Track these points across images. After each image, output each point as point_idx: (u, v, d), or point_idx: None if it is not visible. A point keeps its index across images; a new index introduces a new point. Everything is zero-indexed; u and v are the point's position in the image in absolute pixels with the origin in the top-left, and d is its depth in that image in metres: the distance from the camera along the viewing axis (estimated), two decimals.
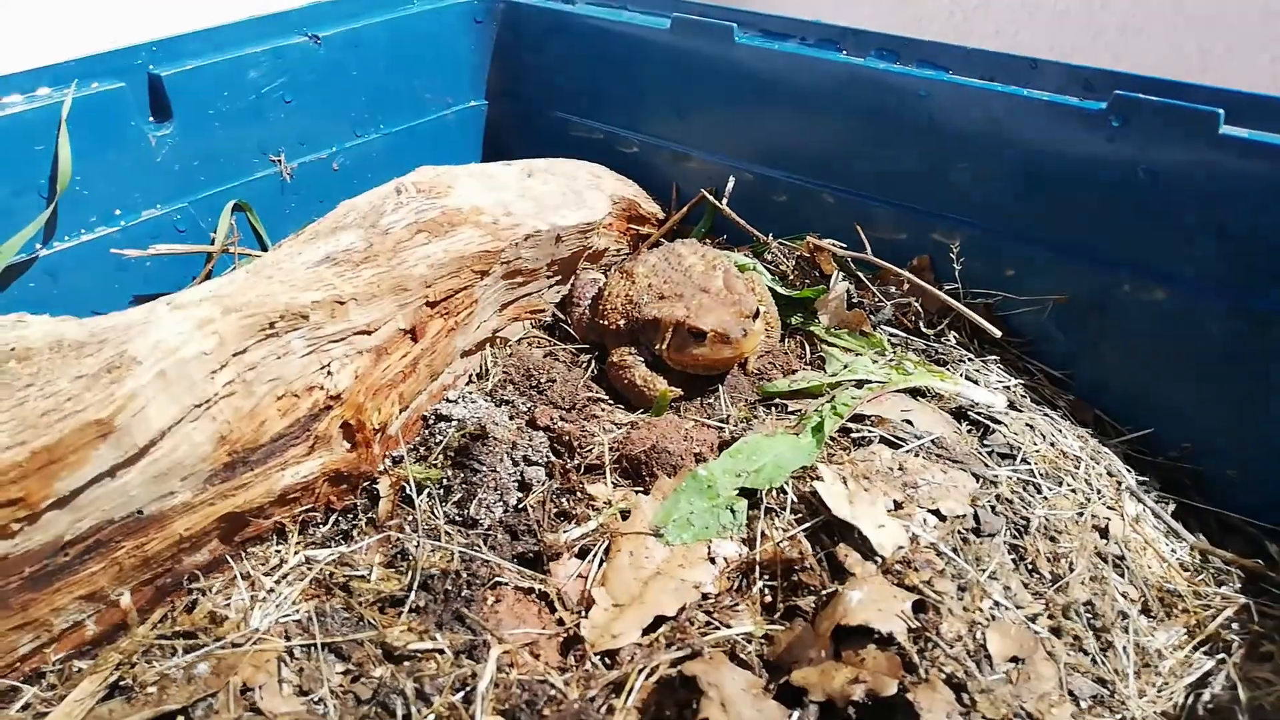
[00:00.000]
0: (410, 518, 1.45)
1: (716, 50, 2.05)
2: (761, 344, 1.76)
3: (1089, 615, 1.30)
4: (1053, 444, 1.59)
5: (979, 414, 1.62)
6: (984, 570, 1.29)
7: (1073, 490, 1.49)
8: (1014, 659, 1.18)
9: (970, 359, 1.79)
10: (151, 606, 1.31)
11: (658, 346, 1.72)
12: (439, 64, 2.36)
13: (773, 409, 1.66)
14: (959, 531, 1.35)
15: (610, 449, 1.55)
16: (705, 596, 1.30)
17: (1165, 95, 1.55)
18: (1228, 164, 1.50)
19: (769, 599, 1.31)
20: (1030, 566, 1.35)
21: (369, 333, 1.49)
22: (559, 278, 1.98)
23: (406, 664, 1.22)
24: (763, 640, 1.23)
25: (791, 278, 1.99)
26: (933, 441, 1.52)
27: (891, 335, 1.85)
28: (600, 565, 1.36)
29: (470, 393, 1.72)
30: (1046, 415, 1.67)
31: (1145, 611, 1.36)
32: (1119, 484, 1.56)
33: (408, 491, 1.49)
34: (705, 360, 1.67)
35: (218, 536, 1.35)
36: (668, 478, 1.48)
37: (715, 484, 1.43)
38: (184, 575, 1.33)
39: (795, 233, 2.05)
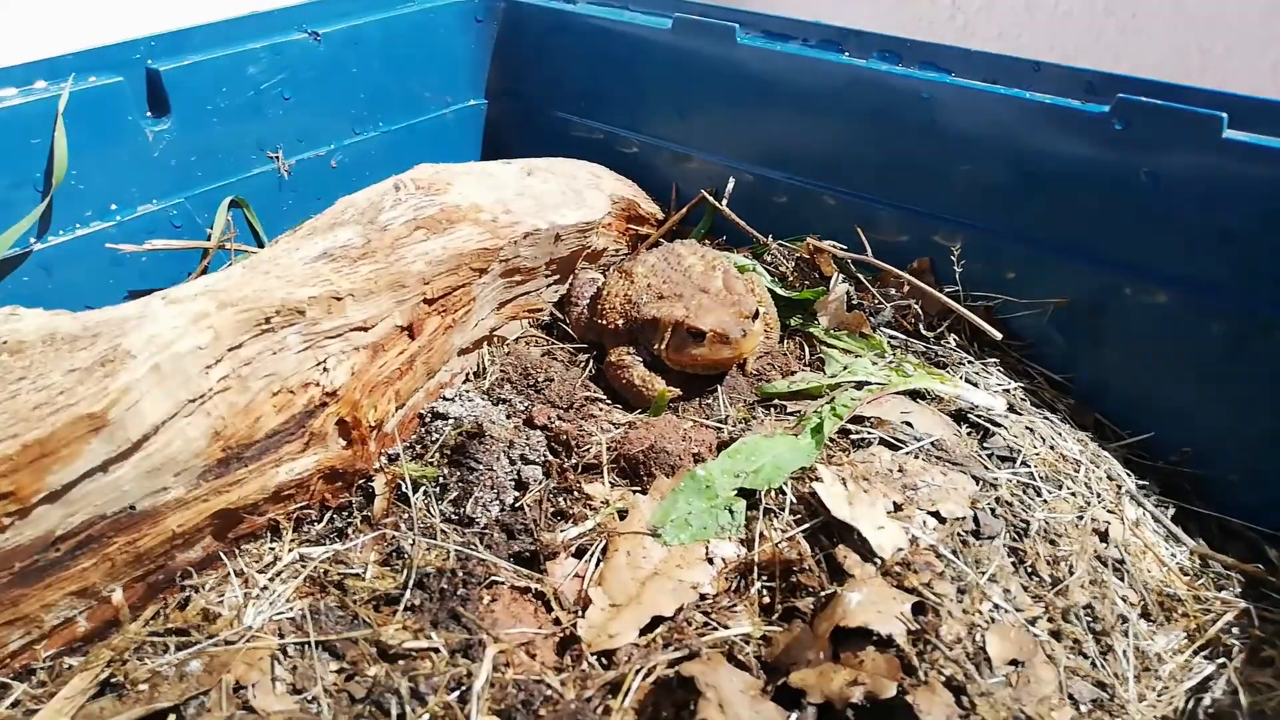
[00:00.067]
0: (406, 516, 1.44)
1: (718, 51, 2.04)
2: (760, 345, 1.76)
3: (1089, 619, 1.29)
4: (1053, 447, 1.58)
5: (979, 416, 1.61)
6: (984, 573, 1.28)
7: (1073, 494, 1.48)
8: (1014, 662, 1.17)
9: (970, 361, 1.78)
10: (144, 603, 1.30)
11: (656, 346, 1.71)
12: (439, 62, 2.35)
13: (771, 410, 1.65)
14: (959, 534, 1.35)
15: (608, 449, 1.54)
16: (703, 597, 1.29)
17: (1168, 98, 1.54)
18: (1230, 167, 1.49)
19: (767, 600, 1.30)
20: (1030, 569, 1.34)
21: (366, 329, 1.48)
22: (557, 277, 1.97)
23: (401, 663, 1.21)
24: (761, 641, 1.22)
25: (791, 279, 1.98)
26: (932, 444, 1.51)
27: (891, 337, 1.84)
28: (597, 565, 1.35)
29: (467, 391, 1.71)
30: (1046, 418, 1.66)
31: (1145, 615, 1.35)
32: (1119, 487, 1.55)
33: (403, 489, 1.48)
34: (704, 360, 1.67)
35: (211, 533, 1.34)
36: (666, 478, 1.47)
37: (714, 484, 1.42)
38: (177, 572, 1.32)
39: (795, 234, 2.04)
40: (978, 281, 1.84)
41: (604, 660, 1.21)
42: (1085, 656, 1.24)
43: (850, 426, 1.54)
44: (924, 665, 1.12)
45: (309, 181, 2.13)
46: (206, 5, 2.02)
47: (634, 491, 1.47)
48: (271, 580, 1.34)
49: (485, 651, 1.19)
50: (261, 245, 2.04)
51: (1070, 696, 1.18)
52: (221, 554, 1.36)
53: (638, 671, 1.16)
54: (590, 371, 1.82)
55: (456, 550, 1.36)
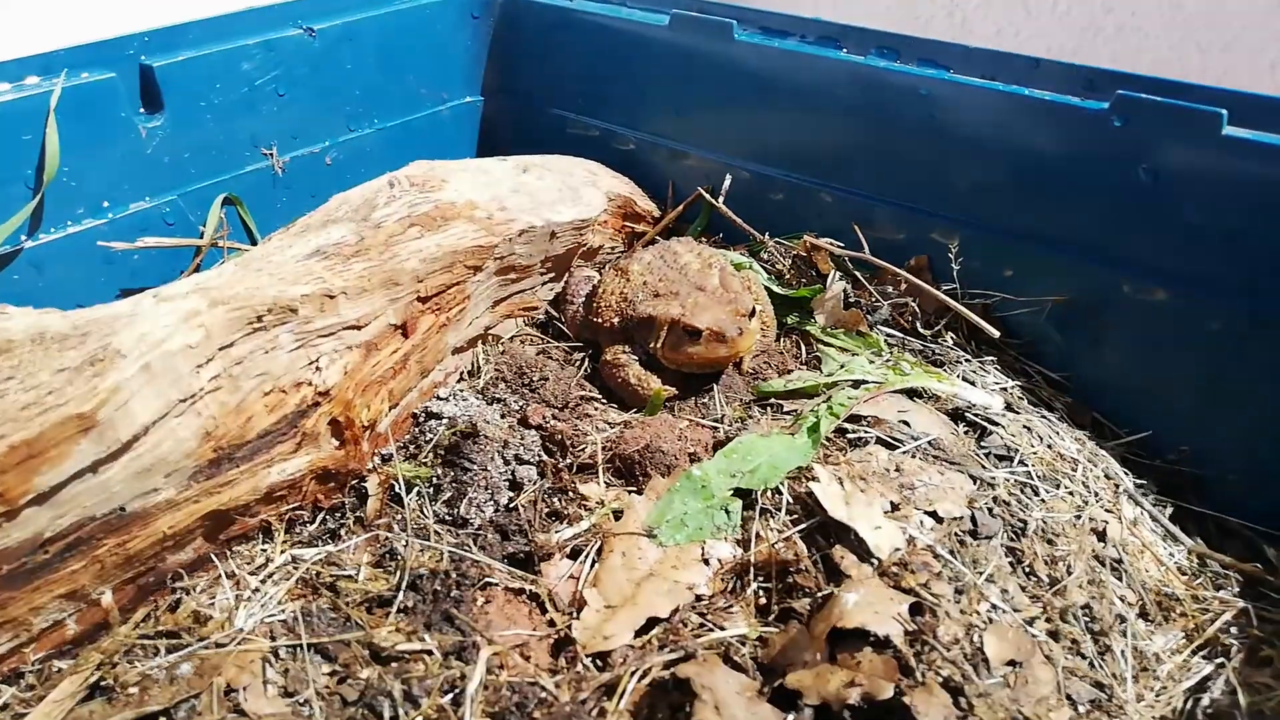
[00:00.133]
0: (399, 517, 1.43)
1: (715, 47, 2.03)
2: (757, 343, 1.75)
3: (1087, 619, 1.28)
4: (1050, 446, 1.57)
5: (976, 415, 1.60)
6: (981, 573, 1.28)
7: (1070, 493, 1.47)
8: (1011, 662, 1.17)
9: (968, 360, 1.77)
10: (134, 605, 1.29)
11: (652, 345, 1.70)
12: (434, 59, 2.34)
13: (768, 409, 1.64)
14: (956, 533, 1.34)
15: (603, 448, 1.53)
16: (699, 598, 1.29)
17: (1167, 95, 1.53)
18: (1230, 165, 1.49)
19: (763, 601, 1.29)
20: (1028, 569, 1.33)
21: (359, 328, 1.47)
22: (553, 275, 1.96)
23: (394, 665, 1.20)
24: (757, 643, 1.21)
25: (788, 277, 1.98)
26: (930, 443, 1.50)
27: (888, 335, 1.83)
28: (592, 566, 1.34)
29: (461, 390, 1.70)
30: (1044, 417, 1.66)
31: (1143, 615, 1.34)
32: (1117, 487, 1.54)
33: (397, 490, 1.47)
34: (700, 359, 1.66)
35: (202, 534, 1.32)
36: (661, 478, 1.46)
37: (710, 484, 1.41)
38: (167, 574, 1.31)
39: (792, 231, 2.03)
40: (975, 279, 1.83)
41: (599, 662, 1.20)
42: (1083, 657, 1.24)
43: (847, 425, 1.53)
44: (921, 666, 1.12)
45: (303, 178, 2.12)
46: (200, 1, 2.01)
47: (629, 492, 1.46)
48: (263, 582, 1.33)
49: (479, 653, 1.18)
50: (254, 242, 2.03)
51: (1068, 697, 1.17)
52: (213, 556, 1.35)
53: (633, 673, 1.15)
54: (586, 370, 1.81)
55: (450, 551, 1.35)
